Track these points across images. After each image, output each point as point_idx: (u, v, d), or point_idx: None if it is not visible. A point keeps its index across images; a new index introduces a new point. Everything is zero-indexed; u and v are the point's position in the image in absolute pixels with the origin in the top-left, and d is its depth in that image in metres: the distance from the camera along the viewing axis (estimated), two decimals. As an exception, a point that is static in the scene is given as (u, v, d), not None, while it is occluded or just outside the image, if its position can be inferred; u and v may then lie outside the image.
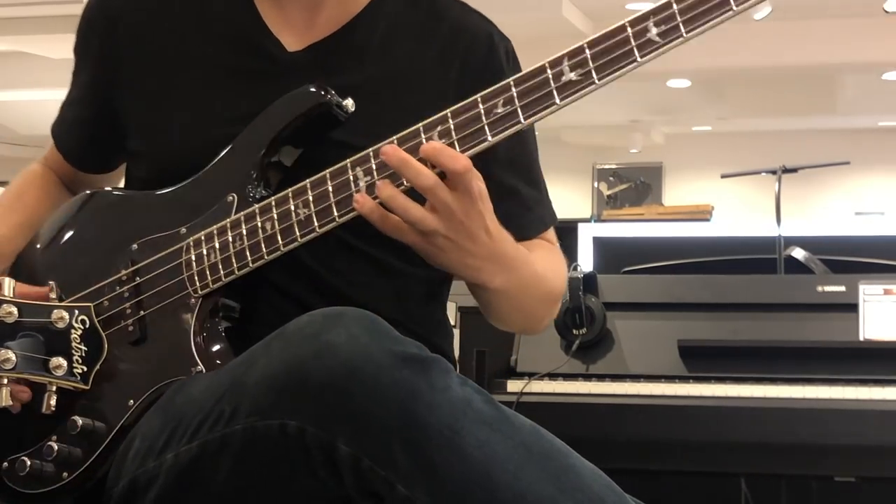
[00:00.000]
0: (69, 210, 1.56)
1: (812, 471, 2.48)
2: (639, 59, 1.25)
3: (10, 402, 1.39)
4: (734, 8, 1.23)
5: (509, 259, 1.38)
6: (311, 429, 1.14)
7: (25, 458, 1.41)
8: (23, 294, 1.44)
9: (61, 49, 7.37)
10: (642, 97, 10.33)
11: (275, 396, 1.17)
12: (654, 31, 1.24)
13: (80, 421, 1.38)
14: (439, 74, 1.51)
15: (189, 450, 1.24)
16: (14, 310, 1.42)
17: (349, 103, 1.40)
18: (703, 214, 6.72)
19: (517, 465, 1.13)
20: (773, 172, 3.39)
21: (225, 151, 1.44)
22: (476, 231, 1.32)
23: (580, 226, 3.30)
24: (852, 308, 2.45)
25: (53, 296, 1.44)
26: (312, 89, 1.40)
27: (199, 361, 1.36)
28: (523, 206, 1.56)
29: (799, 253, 2.77)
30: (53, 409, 1.39)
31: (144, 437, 1.32)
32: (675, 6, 1.24)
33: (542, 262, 1.49)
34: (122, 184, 1.64)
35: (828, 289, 2.52)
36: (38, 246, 1.56)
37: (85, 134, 1.62)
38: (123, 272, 1.44)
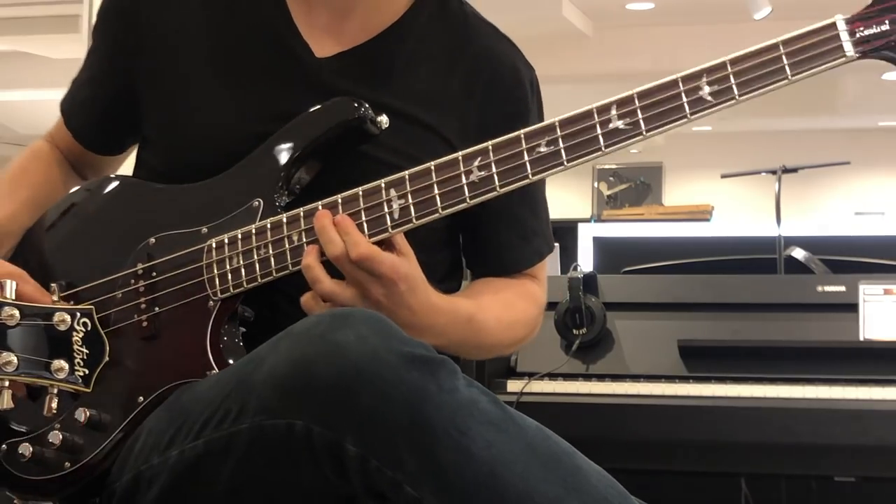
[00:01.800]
0: (83, 194, 1.55)
1: (812, 471, 2.48)
2: (689, 116, 1.27)
3: (12, 405, 1.39)
4: (789, 77, 1.25)
5: (440, 327, 1.38)
6: (317, 428, 1.15)
7: (27, 444, 1.40)
8: (25, 295, 1.44)
9: (61, 49, 7.37)
10: (642, 97, 10.31)
11: (282, 396, 1.17)
12: (706, 90, 1.26)
13: (86, 412, 1.38)
14: (462, 99, 1.50)
15: (195, 447, 1.25)
16: (16, 312, 1.41)
17: (384, 120, 1.40)
18: (703, 214, 6.71)
19: (524, 466, 1.13)
20: (773, 172, 3.40)
21: (252, 154, 1.43)
22: (395, 310, 1.32)
23: (580, 226, 3.31)
24: (852, 308, 2.45)
25: (56, 297, 1.44)
26: (350, 102, 1.39)
27: (214, 366, 1.36)
28: (523, 238, 1.56)
29: (799, 253, 2.77)
30: (55, 411, 1.39)
31: (150, 432, 1.32)
32: (729, 68, 1.26)
33: (496, 313, 1.49)
34: (130, 168, 1.63)
35: (828, 289, 2.51)
36: (50, 230, 1.54)
37: (97, 115, 1.61)
38: (140, 266, 1.43)
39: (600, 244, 3.13)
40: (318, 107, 1.41)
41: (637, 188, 13.22)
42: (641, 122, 1.27)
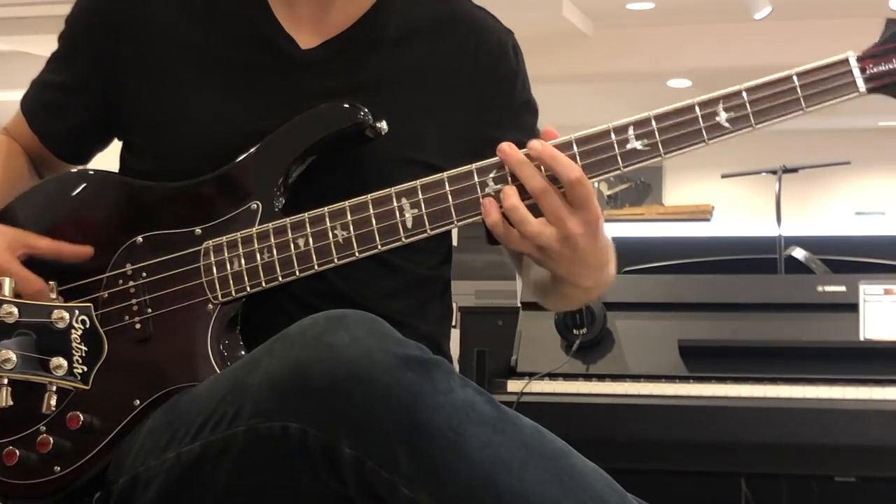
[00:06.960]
0: (66, 187, 1.51)
1: (812, 471, 2.48)
2: (707, 141, 1.30)
3: (11, 403, 1.39)
4: (804, 108, 1.30)
5: (605, 264, 1.39)
6: (313, 431, 1.14)
7: (13, 448, 1.39)
8: (23, 279, 1.42)
9: (61, 49, 7.36)
10: (642, 97, 10.33)
11: (277, 399, 1.17)
12: (723, 116, 1.30)
13: (79, 417, 1.37)
14: (451, 72, 1.51)
15: (191, 450, 1.24)
16: (14, 310, 1.41)
17: (384, 126, 1.40)
18: (703, 214, 6.70)
19: (520, 466, 1.13)
20: (774, 172, 3.38)
21: (247, 155, 1.42)
22: (590, 247, 1.31)
23: (581, 225, 3.29)
24: (853, 308, 2.45)
25: (53, 295, 1.44)
26: (351, 109, 1.39)
27: (217, 369, 1.35)
28: None
29: (799, 253, 2.77)
30: (54, 408, 1.38)
31: (148, 435, 1.32)
32: (745, 96, 1.30)
33: None
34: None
35: (828, 289, 2.52)
36: (28, 225, 1.48)
37: (71, 124, 1.56)
38: (129, 267, 1.42)
39: (601, 244, 3.12)
40: (316, 110, 1.40)
41: (637, 188, 13.22)
42: (660, 144, 1.30)
